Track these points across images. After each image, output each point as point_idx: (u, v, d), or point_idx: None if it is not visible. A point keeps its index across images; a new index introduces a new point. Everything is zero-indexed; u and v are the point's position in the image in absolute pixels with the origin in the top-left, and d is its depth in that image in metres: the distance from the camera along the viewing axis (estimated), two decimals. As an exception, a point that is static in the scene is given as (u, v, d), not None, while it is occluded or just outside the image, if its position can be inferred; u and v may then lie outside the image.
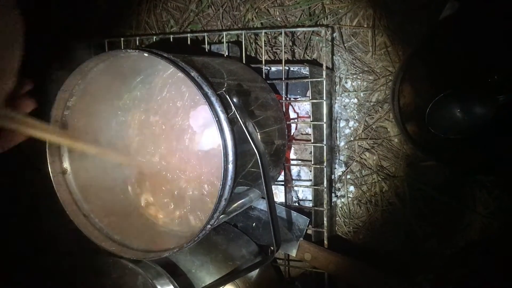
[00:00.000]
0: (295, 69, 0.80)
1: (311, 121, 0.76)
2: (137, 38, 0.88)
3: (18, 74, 0.44)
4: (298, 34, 0.88)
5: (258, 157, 0.56)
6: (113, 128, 0.70)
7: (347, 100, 0.86)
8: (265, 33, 0.87)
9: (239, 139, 0.53)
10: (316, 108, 0.77)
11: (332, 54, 0.86)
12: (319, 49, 0.87)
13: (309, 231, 0.80)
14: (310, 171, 0.82)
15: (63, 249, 0.71)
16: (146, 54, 0.54)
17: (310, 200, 0.82)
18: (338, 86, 0.87)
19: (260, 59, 0.87)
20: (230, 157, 0.52)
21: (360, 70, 0.85)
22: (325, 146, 0.75)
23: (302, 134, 0.85)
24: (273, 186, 0.78)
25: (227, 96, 0.54)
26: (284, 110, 0.75)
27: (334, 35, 0.86)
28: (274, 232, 0.61)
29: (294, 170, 0.86)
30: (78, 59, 0.59)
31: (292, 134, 0.85)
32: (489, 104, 0.61)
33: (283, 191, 0.81)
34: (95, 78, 0.62)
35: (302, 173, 0.86)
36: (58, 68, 0.71)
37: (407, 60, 0.77)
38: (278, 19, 0.89)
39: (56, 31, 0.87)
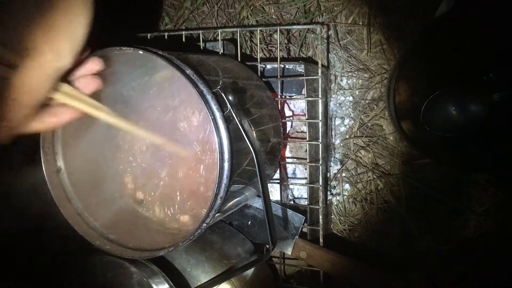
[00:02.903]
0: (291, 67, 0.80)
1: (306, 119, 0.76)
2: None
3: (78, 52, 0.44)
4: (293, 31, 0.88)
5: (253, 155, 0.55)
6: (106, 125, 0.69)
7: (342, 98, 0.86)
8: (260, 30, 0.87)
9: (234, 137, 0.53)
10: (311, 106, 0.77)
11: (328, 52, 0.86)
12: (315, 46, 0.87)
13: (305, 229, 0.80)
14: (306, 169, 0.82)
15: (57, 248, 0.70)
16: (140, 52, 0.54)
17: (305, 198, 0.82)
18: (333, 84, 0.86)
19: (255, 56, 0.87)
20: (226, 155, 0.52)
21: (356, 68, 0.85)
22: (320, 144, 0.75)
23: (297, 132, 0.85)
24: (268, 184, 0.78)
25: (223, 94, 0.54)
26: (279, 108, 0.75)
27: (330, 32, 0.85)
28: (269, 231, 0.61)
29: (290, 168, 0.86)
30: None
31: (287, 132, 0.84)
32: (484, 102, 0.61)
33: (279, 189, 0.81)
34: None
35: (298, 171, 0.86)
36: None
37: (402, 58, 0.77)
38: (273, 16, 0.89)
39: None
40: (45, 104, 0.45)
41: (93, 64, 0.49)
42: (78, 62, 0.48)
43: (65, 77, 0.46)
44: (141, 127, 0.60)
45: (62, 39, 0.41)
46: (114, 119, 0.55)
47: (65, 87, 0.47)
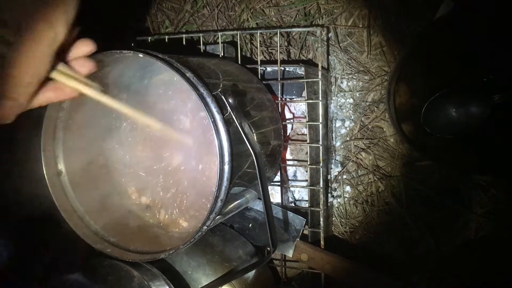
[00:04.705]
0: (291, 70, 0.80)
1: (306, 122, 0.76)
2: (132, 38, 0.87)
3: (72, 27, 0.44)
4: (293, 34, 0.88)
5: (254, 158, 0.55)
6: (106, 128, 0.70)
7: (342, 100, 0.86)
8: (261, 33, 0.87)
9: (235, 140, 0.53)
10: (311, 108, 0.77)
11: (328, 54, 0.86)
12: (315, 49, 0.87)
13: (306, 232, 0.80)
14: (306, 171, 0.82)
15: (58, 251, 0.70)
16: (141, 55, 0.54)
17: (306, 201, 0.82)
18: (333, 86, 0.87)
19: (255, 59, 0.87)
20: (226, 158, 0.52)
21: (356, 70, 0.85)
22: (321, 146, 0.75)
23: (298, 134, 0.85)
24: (269, 187, 0.78)
25: (223, 97, 0.54)
26: (279, 110, 0.75)
27: (330, 35, 0.86)
28: (270, 233, 0.61)
29: (290, 170, 0.86)
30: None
31: (288, 134, 0.84)
32: (485, 103, 0.61)
33: (279, 191, 0.81)
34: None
35: (298, 173, 0.86)
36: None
37: (402, 60, 0.77)
38: (274, 19, 0.89)
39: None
40: (45, 80, 0.46)
41: (85, 46, 0.49)
42: (71, 44, 0.48)
43: (61, 58, 0.47)
44: (139, 110, 0.59)
45: (55, 10, 0.41)
46: (109, 101, 0.54)
47: (62, 66, 0.47)
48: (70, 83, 0.48)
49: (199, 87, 0.52)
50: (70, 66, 0.49)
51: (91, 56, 0.50)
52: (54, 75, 0.46)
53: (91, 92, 0.51)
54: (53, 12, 0.41)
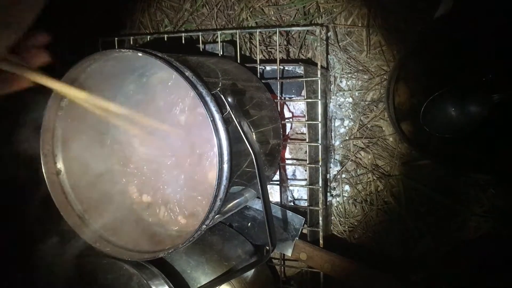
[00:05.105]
0: (290, 69, 0.80)
1: (306, 121, 0.76)
2: (131, 37, 0.87)
3: (27, 26, 0.44)
4: (292, 33, 0.88)
5: (253, 157, 0.55)
6: (105, 127, 0.70)
7: (342, 99, 0.86)
8: (260, 32, 0.87)
9: (234, 139, 0.53)
10: (311, 107, 0.77)
11: (327, 53, 0.86)
12: (314, 48, 0.87)
13: (305, 231, 0.80)
14: (305, 170, 0.82)
15: (57, 250, 0.70)
16: (140, 54, 0.54)
17: (305, 200, 0.82)
18: (333, 85, 0.87)
19: (254, 58, 0.87)
20: (225, 157, 0.52)
21: (355, 69, 0.85)
22: (320, 146, 0.75)
23: (297, 133, 0.85)
24: (268, 186, 0.78)
25: (222, 96, 0.54)
26: (279, 109, 0.75)
27: (329, 34, 0.85)
28: (269, 232, 0.61)
29: (289, 169, 0.86)
30: (72, 59, 0.58)
31: (287, 133, 0.84)
32: (484, 103, 0.61)
33: (279, 190, 0.81)
34: (89, 78, 0.61)
35: (297, 172, 0.86)
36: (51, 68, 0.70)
37: (401, 59, 0.77)
38: (273, 18, 0.89)
39: (49, 31, 0.86)
40: None
41: (38, 37, 0.49)
42: (25, 35, 0.47)
43: (12, 49, 0.46)
44: (105, 99, 0.59)
45: (11, 11, 0.41)
46: (67, 89, 0.55)
47: (10, 56, 0.47)
48: (20, 72, 0.48)
49: (198, 86, 0.52)
50: (22, 57, 0.48)
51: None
52: (3, 65, 0.46)
53: (43, 79, 0.51)
54: (8, 13, 0.41)
